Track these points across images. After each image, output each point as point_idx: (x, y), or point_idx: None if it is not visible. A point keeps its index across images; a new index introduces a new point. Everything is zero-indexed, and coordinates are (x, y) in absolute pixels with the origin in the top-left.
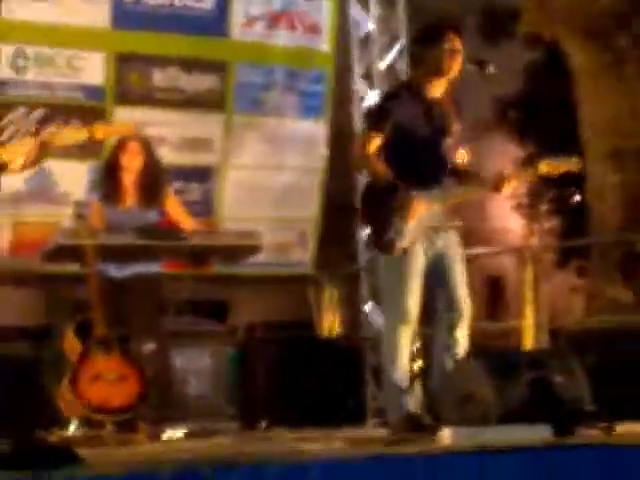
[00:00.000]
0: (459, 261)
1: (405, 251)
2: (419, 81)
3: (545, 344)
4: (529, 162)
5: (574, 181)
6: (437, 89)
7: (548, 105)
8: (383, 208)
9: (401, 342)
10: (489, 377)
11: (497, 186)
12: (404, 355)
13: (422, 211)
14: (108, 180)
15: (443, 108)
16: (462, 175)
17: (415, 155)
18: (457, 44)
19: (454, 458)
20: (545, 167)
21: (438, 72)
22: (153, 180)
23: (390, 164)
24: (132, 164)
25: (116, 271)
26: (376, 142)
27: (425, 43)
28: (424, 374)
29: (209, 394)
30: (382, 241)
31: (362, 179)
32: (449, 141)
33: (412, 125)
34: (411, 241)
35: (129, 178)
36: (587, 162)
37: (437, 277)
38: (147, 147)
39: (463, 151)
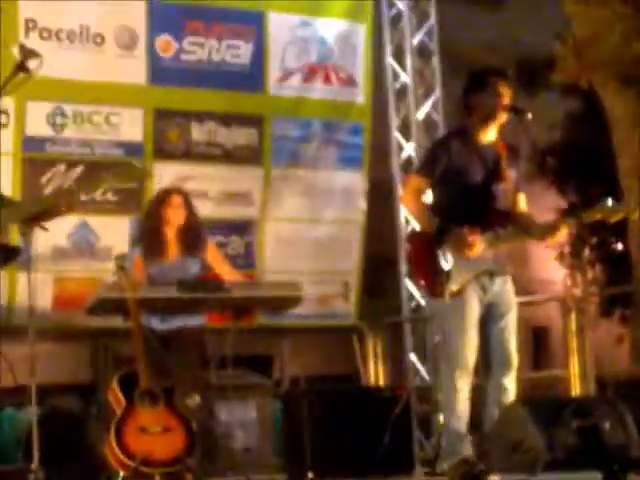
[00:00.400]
0: (513, 309)
1: (457, 294)
2: (470, 127)
3: (592, 392)
4: (578, 209)
5: (616, 229)
6: (488, 134)
7: (587, 153)
8: (431, 253)
9: (459, 389)
10: (537, 425)
11: (552, 233)
12: (462, 402)
13: (476, 248)
14: (150, 234)
15: (496, 153)
16: (517, 220)
17: (467, 201)
18: (505, 90)
19: None
20: (599, 213)
21: (488, 118)
22: (195, 233)
23: (442, 210)
24: (176, 218)
25: (159, 324)
26: (423, 186)
27: (474, 90)
28: (472, 422)
29: (255, 446)
30: (432, 285)
31: (403, 229)
32: (503, 186)
33: (464, 170)
34: (462, 284)
35: (172, 232)
36: None
37: (490, 325)
38: (188, 201)
39: (522, 196)
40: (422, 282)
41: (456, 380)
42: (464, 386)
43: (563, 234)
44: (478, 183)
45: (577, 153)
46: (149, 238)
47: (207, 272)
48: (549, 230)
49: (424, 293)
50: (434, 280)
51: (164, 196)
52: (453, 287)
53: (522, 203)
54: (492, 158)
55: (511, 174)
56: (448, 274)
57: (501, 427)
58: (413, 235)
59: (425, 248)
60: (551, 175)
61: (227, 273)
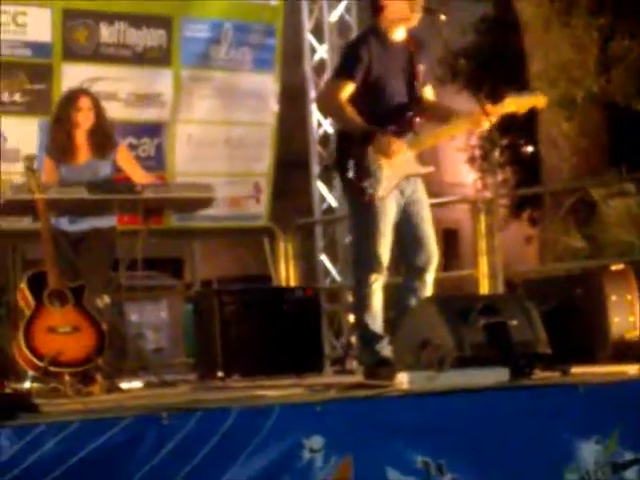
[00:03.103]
0: (427, 207)
1: (382, 199)
2: (382, 27)
3: (500, 291)
4: (495, 101)
5: (525, 131)
6: (399, 34)
7: (499, 57)
8: (358, 158)
9: (373, 290)
10: (446, 322)
11: (478, 121)
12: (376, 302)
13: (400, 151)
14: (60, 137)
15: (408, 51)
16: (435, 112)
17: (388, 100)
18: None
19: (411, 401)
20: (512, 103)
21: (400, 20)
22: (105, 135)
23: (362, 111)
24: (85, 121)
25: (69, 225)
26: (349, 90)
27: None
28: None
29: (167, 346)
30: (359, 191)
31: (315, 131)
32: (417, 84)
33: (382, 70)
34: (389, 189)
35: (81, 135)
36: (539, 111)
37: (406, 224)
38: (96, 102)
39: (430, 87)
40: (348, 186)
41: (372, 282)
42: (379, 287)
43: (487, 123)
44: (396, 85)
45: (489, 56)
46: (59, 141)
47: (118, 174)
48: (474, 118)
49: (350, 197)
50: (360, 185)
51: (72, 99)
52: (380, 193)
53: (430, 94)
54: (405, 57)
55: (421, 69)
56: (375, 179)
57: (410, 324)
58: (338, 139)
59: (350, 152)
60: (463, 78)
61: (138, 175)
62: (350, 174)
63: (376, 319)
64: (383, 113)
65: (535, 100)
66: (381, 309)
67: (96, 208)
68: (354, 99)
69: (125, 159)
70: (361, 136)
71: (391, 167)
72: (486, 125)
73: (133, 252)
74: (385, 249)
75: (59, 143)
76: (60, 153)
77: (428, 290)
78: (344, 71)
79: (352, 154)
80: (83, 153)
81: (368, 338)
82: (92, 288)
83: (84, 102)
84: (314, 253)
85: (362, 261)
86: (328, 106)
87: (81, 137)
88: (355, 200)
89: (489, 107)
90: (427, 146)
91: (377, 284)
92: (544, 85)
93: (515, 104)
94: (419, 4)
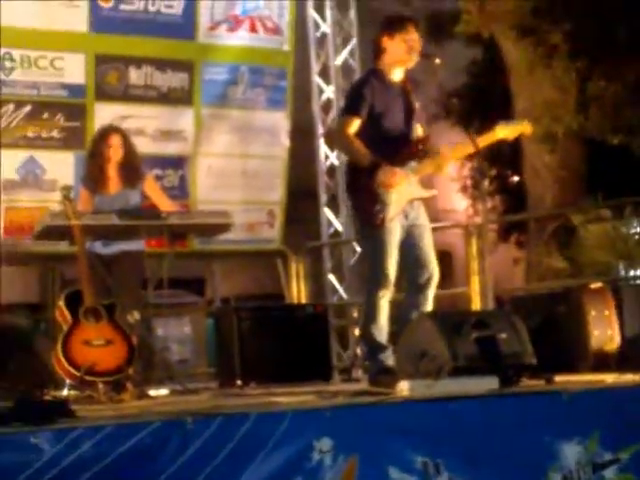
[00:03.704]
0: (428, 230)
1: (391, 221)
2: (382, 68)
3: (490, 307)
4: (486, 131)
5: (512, 163)
6: (397, 74)
7: (488, 96)
8: (367, 186)
9: (381, 304)
10: (441, 335)
11: (475, 145)
12: (383, 315)
13: (403, 181)
14: (94, 171)
15: (405, 89)
16: (423, 147)
17: (390, 133)
18: (416, 37)
19: (411, 406)
20: (501, 131)
21: (399, 62)
22: (133, 168)
23: (369, 143)
24: (115, 156)
25: (102, 249)
26: (356, 126)
27: (387, 33)
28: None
29: (190, 358)
30: (370, 215)
31: (323, 164)
32: (414, 120)
33: (384, 107)
34: (396, 212)
35: (113, 169)
36: (524, 145)
37: (410, 245)
38: (126, 138)
39: (420, 127)
40: (359, 212)
41: (380, 298)
42: (386, 302)
43: (482, 148)
44: (397, 120)
45: (479, 96)
46: (93, 174)
47: (146, 202)
48: (470, 146)
49: (361, 221)
50: (370, 210)
51: (104, 136)
52: (390, 215)
53: (420, 130)
54: (403, 95)
55: (417, 106)
56: (383, 204)
57: (410, 337)
58: (347, 170)
59: (359, 181)
60: (455, 115)
61: (164, 203)
62: (361, 200)
63: (382, 331)
64: (387, 144)
65: (522, 127)
66: (387, 322)
67: (126, 233)
68: (361, 133)
69: (152, 189)
70: (368, 167)
71: (398, 192)
72: (476, 147)
73: (160, 272)
74: (392, 266)
75: (93, 176)
76: (94, 184)
77: (429, 305)
78: (351, 109)
79: (362, 182)
80: (114, 184)
81: (374, 348)
82: (123, 305)
83: (115, 139)
84: (322, 273)
85: (372, 278)
86: (338, 141)
87: (112, 170)
88: (365, 223)
89: (479, 138)
90: (426, 173)
91: (385, 299)
92: (528, 122)
93: (504, 131)
94: (416, 48)
